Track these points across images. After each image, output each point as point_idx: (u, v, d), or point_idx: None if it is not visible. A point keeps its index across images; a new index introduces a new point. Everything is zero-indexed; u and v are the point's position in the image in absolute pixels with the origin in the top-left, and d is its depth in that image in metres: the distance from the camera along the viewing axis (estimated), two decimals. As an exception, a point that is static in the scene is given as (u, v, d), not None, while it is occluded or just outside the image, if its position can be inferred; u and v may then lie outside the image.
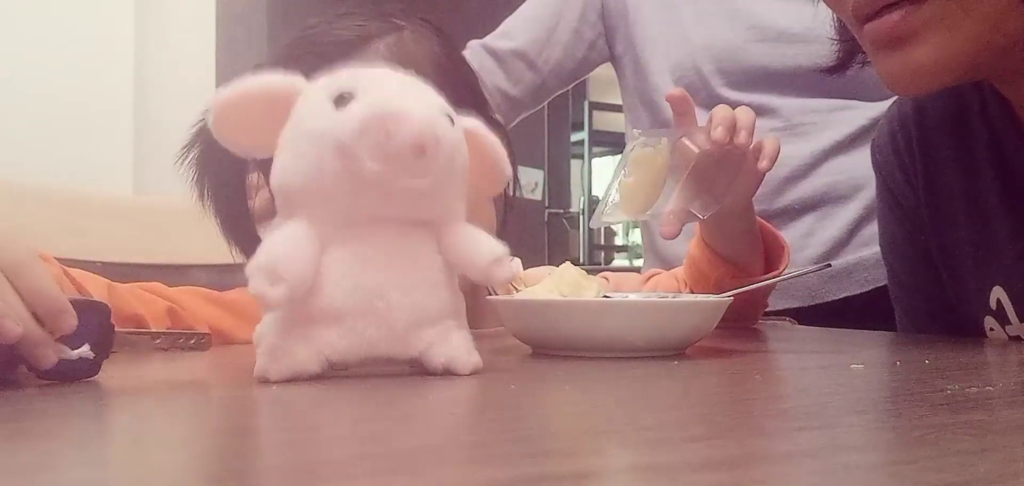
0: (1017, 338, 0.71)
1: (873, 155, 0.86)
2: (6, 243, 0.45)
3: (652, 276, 1.02)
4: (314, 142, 0.45)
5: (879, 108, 1.13)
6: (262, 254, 0.44)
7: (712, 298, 0.63)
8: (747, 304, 0.86)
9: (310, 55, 0.74)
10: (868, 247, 1.11)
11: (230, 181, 0.74)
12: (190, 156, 0.74)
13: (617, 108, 1.89)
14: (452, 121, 0.47)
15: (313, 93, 0.47)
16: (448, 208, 0.49)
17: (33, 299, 0.44)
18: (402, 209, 0.47)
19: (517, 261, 0.91)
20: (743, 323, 0.92)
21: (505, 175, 0.54)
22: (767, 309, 0.97)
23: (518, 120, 1.30)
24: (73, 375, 0.46)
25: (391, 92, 0.46)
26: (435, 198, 0.47)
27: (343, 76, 0.47)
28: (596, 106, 5.04)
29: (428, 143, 0.44)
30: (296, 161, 0.46)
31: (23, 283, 0.44)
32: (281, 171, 0.47)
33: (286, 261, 0.44)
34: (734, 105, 1.14)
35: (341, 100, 0.45)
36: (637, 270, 1.65)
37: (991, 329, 0.73)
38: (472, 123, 0.51)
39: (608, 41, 1.26)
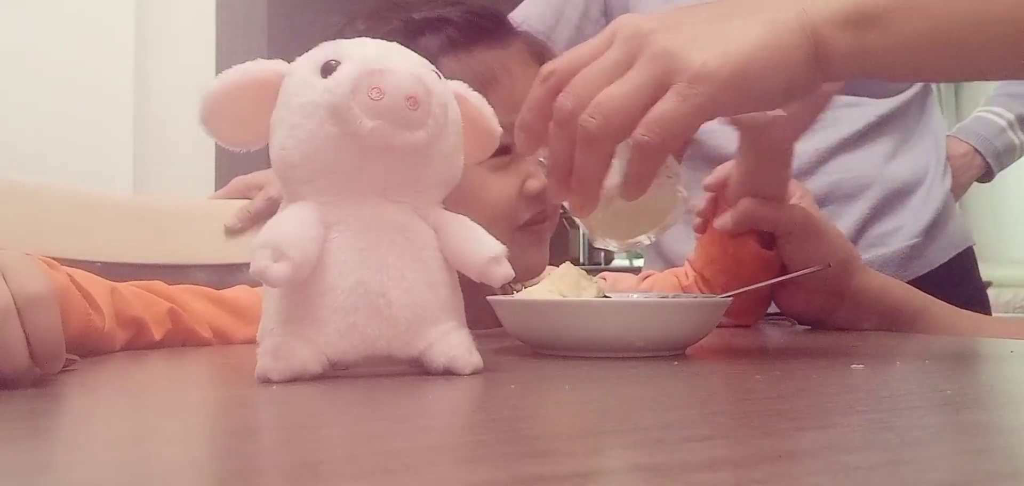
0: None
1: None
2: (28, 275, 0.45)
3: (647, 276, 1.02)
4: (308, 113, 0.46)
5: (887, 105, 1.12)
6: (266, 232, 0.44)
7: (712, 298, 0.63)
8: (752, 301, 0.86)
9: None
10: (875, 248, 1.10)
11: None
12: None
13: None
14: (440, 79, 0.48)
15: (298, 70, 0.47)
16: (448, 163, 0.49)
17: (36, 338, 0.44)
18: (403, 169, 0.47)
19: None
20: (746, 320, 0.93)
21: (494, 134, 0.54)
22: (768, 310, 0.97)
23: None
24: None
25: (375, 53, 0.46)
26: (434, 151, 0.47)
27: (324, 49, 0.47)
28: (596, 106, 5.04)
29: (419, 93, 0.45)
30: (292, 136, 0.46)
31: (32, 320, 0.44)
32: (280, 150, 0.47)
33: (290, 239, 0.44)
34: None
35: (327, 69, 0.46)
36: (637, 270, 1.65)
37: None
38: (457, 85, 0.51)
39: None
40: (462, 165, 0.51)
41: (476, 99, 0.53)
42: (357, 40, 0.48)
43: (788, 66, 0.54)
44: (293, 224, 0.45)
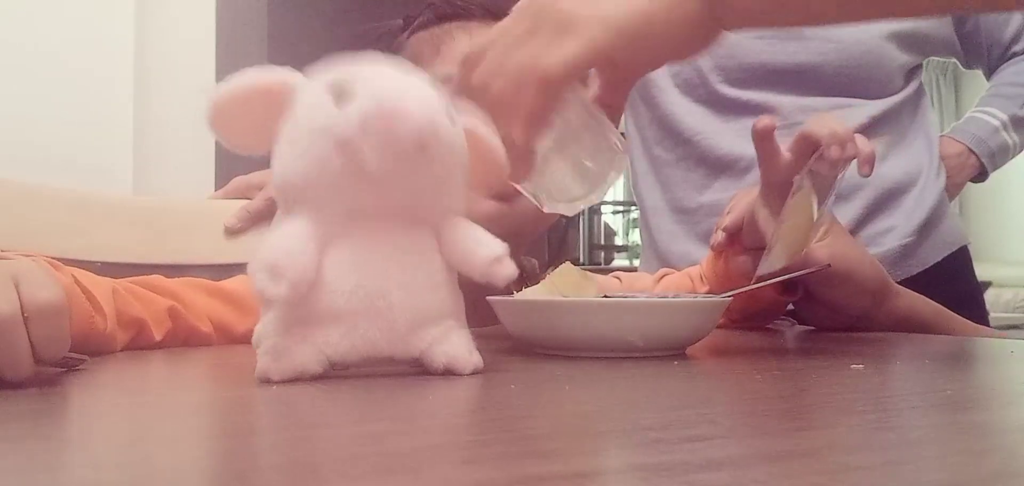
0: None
1: None
2: (40, 284, 0.45)
3: (664, 276, 1.01)
4: (315, 139, 0.45)
5: (880, 106, 1.13)
6: (264, 251, 0.44)
7: (712, 298, 0.63)
8: (760, 302, 0.86)
9: None
10: (868, 247, 1.11)
11: None
12: None
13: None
14: (452, 119, 0.47)
15: (311, 89, 0.47)
16: (449, 203, 0.49)
17: (44, 347, 0.45)
18: (403, 204, 0.47)
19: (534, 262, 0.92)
20: (759, 323, 0.93)
21: (502, 172, 0.54)
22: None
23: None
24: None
25: (391, 87, 0.46)
26: (436, 193, 0.47)
27: (341, 71, 0.47)
28: (596, 106, 5.03)
29: (429, 140, 0.44)
30: (297, 159, 0.46)
31: (39, 329, 0.44)
32: (282, 168, 0.47)
33: (288, 258, 0.44)
34: (732, 102, 1.14)
35: (341, 95, 0.45)
36: (634, 270, 1.65)
37: None
38: (470, 121, 0.51)
39: None
40: (464, 205, 0.50)
41: (486, 134, 0.53)
42: (374, 67, 0.47)
43: (683, 7, 0.56)
44: (290, 242, 0.45)
